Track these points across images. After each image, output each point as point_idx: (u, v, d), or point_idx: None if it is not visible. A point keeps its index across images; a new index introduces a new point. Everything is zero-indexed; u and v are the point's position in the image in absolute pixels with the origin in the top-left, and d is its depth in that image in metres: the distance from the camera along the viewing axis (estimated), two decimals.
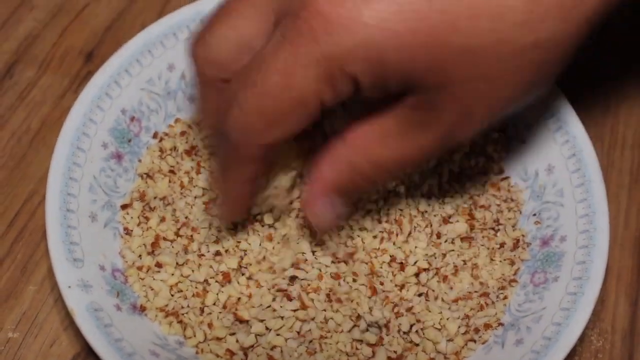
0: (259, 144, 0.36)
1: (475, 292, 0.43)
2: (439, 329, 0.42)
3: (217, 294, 0.42)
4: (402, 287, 0.43)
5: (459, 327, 0.42)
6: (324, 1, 0.32)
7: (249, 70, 0.35)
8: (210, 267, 0.43)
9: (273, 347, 0.41)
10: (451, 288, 0.43)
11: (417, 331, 0.42)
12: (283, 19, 0.34)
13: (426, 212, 0.45)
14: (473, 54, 0.33)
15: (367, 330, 0.42)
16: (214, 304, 0.42)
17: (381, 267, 0.43)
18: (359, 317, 0.42)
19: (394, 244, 0.44)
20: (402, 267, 0.43)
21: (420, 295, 0.43)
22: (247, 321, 0.42)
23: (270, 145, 0.36)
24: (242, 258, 0.43)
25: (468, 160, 0.47)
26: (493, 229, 0.45)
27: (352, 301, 0.42)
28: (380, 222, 0.44)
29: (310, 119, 0.35)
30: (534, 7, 0.32)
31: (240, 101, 0.35)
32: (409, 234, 0.44)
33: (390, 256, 0.43)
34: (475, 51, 0.33)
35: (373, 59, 0.33)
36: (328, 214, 0.39)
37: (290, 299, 0.42)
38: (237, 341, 0.41)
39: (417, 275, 0.43)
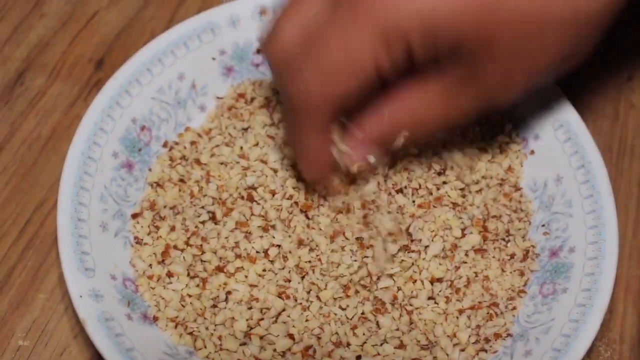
0: (324, 107, 0.39)
1: (485, 302, 0.43)
2: (450, 338, 0.42)
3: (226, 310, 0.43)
4: (415, 296, 0.43)
5: (470, 336, 0.43)
6: None
7: (309, 45, 0.38)
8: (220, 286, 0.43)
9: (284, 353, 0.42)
10: (460, 300, 0.43)
11: (429, 341, 0.43)
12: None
13: (445, 223, 0.45)
14: (517, 20, 0.36)
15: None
16: (223, 323, 0.43)
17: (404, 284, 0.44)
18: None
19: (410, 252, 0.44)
20: (412, 278, 0.44)
21: (433, 302, 0.43)
22: (261, 337, 0.42)
23: (335, 106, 0.39)
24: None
25: (489, 170, 0.48)
26: (504, 239, 0.45)
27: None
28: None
29: (369, 85, 0.38)
30: None
31: (302, 73, 0.38)
32: (427, 246, 0.44)
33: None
34: (520, 17, 0.36)
35: (425, 22, 0.35)
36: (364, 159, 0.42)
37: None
38: (249, 353, 0.42)
39: (431, 283, 0.44)
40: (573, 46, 0.38)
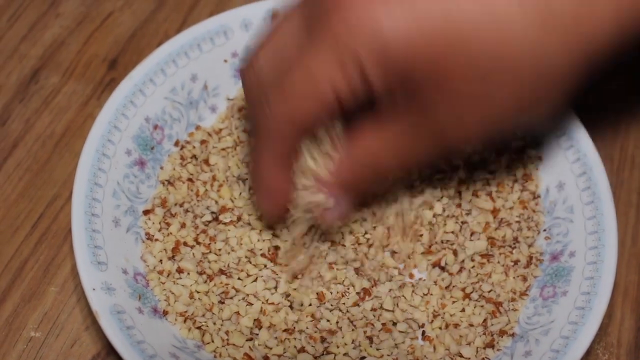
0: (285, 130, 0.39)
1: (490, 299, 0.45)
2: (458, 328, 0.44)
3: (233, 307, 0.44)
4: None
5: (477, 328, 0.44)
6: (345, 7, 0.35)
7: (278, 75, 0.38)
8: (223, 283, 0.45)
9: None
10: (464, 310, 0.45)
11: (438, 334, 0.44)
12: (307, 30, 0.37)
13: (453, 233, 0.47)
14: (470, 62, 0.34)
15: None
16: (230, 319, 0.44)
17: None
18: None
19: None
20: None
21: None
22: (268, 328, 0.43)
23: (296, 131, 0.39)
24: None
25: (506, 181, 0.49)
26: (510, 246, 0.46)
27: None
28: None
29: (329, 111, 0.37)
30: (539, 31, 0.34)
31: (271, 102, 0.38)
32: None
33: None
34: (474, 61, 0.34)
35: (378, 48, 0.34)
36: (335, 211, 0.42)
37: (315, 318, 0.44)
38: (255, 347, 0.43)
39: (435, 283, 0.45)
40: (532, 99, 0.36)
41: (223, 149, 0.49)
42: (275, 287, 0.44)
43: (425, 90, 0.36)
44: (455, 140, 0.38)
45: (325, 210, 0.41)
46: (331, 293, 0.44)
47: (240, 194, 0.47)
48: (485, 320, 0.44)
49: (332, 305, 0.44)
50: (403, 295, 0.45)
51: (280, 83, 0.38)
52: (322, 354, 0.43)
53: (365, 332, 0.43)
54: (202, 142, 0.50)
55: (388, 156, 0.39)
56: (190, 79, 0.50)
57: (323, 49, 0.36)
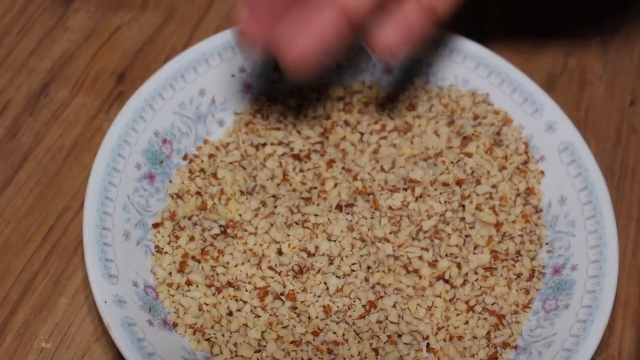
0: None
1: (493, 312, 0.45)
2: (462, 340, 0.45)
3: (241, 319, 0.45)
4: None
5: (480, 340, 0.45)
6: None
7: None
8: (232, 297, 0.45)
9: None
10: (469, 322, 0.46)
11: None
12: None
13: (457, 246, 0.47)
14: None
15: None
16: (238, 330, 0.45)
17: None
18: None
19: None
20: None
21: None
22: (276, 339, 0.44)
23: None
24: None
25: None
26: (513, 259, 0.47)
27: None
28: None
29: None
30: None
31: None
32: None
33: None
34: None
35: None
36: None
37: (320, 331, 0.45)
38: (263, 358, 0.43)
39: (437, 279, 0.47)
40: None
41: (230, 163, 0.50)
42: (283, 300, 0.45)
43: None
44: None
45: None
46: (337, 306, 0.45)
47: (247, 207, 0.48)
48: (488, 333, 0.45)
49: (338, 317, 0.45)
50: (408, 308, 0.46)
51: None
52: None
53: (371, 344, 0.44)
54: (210, 155, 0.51)
55: None
56: (198, 93, 0.51)
57: None
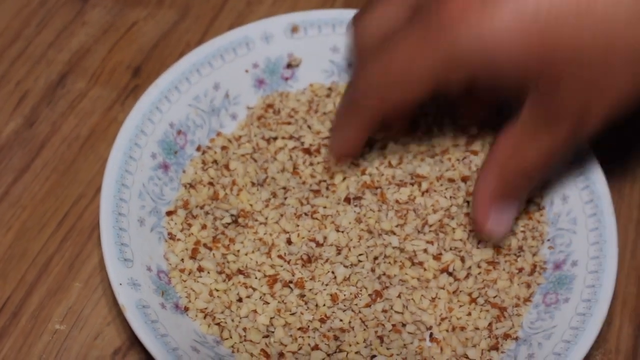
0: (374, 107, 0.43)
1: (495, 304, 0.47)
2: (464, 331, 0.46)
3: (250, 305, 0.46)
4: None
5: (482, 331, 0.46)
6: (453, 2, 0.37)
7: (381, 47, 0.41)
8: (242, 284, 0.47)
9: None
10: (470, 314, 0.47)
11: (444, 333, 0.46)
12: (417, 12, 0.40)
13: (461, 241, 0.49)
14: (581, 53, 0.36)
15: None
16: (247, 316, 0.46)
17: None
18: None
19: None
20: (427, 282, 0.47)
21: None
22: (284, 326, 0.45)
23: (385, 107, 0.43)
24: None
25: None
26: (515, 254, 0.49)
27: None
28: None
29: (422, 97, 0.41)
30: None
31: (367, 70, 0.42)
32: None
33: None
34: (584, 51, 0.36)
35: (487, 57, 0.37)
36: (500, 221, 0.45)
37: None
38: (271, 343, 0.45)
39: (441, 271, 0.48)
40: None
41: (242, 155, 0.51)
42: (291, 288, 0.47)
43: (544, 91, 0.38)
44: (588, 127, 0.40)
45: (493, 227, 0.45)
46: (344, 294, 0.46)
47: (258, 198, 0.49)
48: (490, 324, 0.46)
49: (345, 305, 0.46)
50: (412, 299, 0.47)
51: (385, 59, 0.41)
52: (335, 352, 0.45)
53: (376, 332, 0.45)
54: (223, 147, 0.52)
55: (527, 162, 0.41)
56: (212, 87, 0.52)
57: (429, 42, 0.38)
